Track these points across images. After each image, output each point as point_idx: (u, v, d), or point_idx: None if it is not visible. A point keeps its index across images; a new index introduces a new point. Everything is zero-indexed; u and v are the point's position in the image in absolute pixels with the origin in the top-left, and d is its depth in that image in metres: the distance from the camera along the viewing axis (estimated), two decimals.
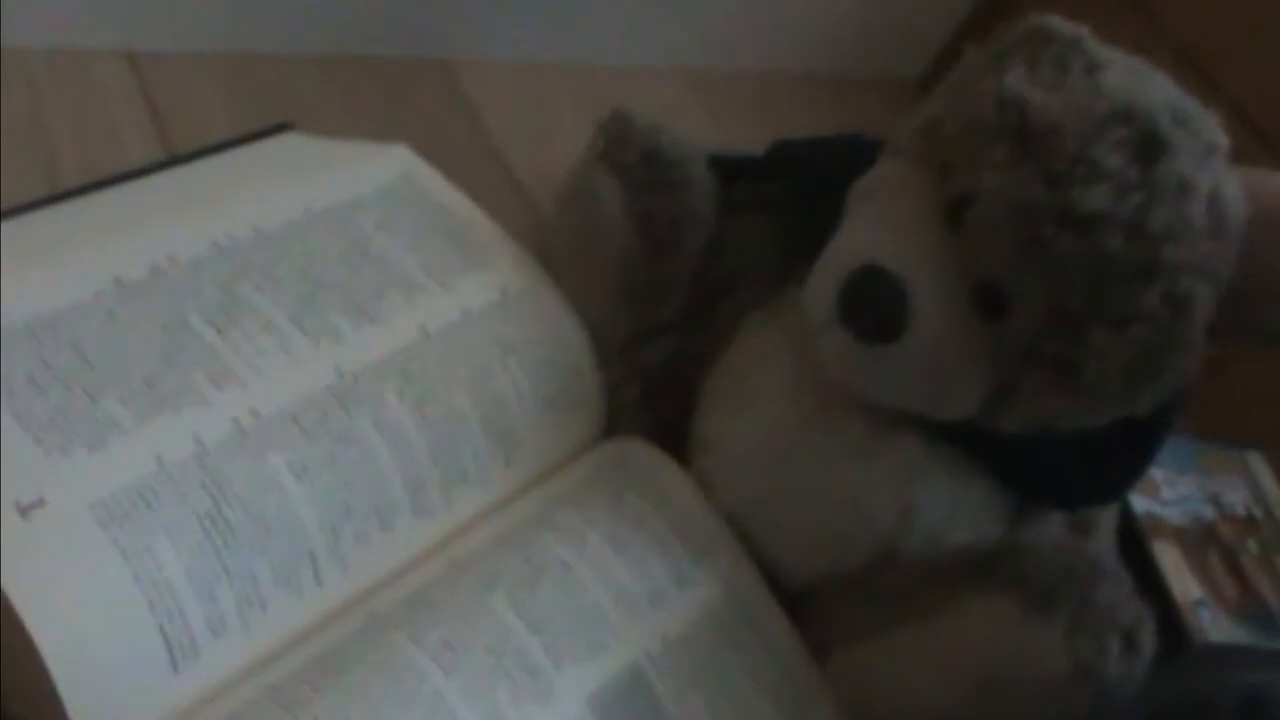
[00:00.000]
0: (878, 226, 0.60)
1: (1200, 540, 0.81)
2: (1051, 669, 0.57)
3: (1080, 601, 0.58)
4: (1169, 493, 0.83)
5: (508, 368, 0.65)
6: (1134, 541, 0.71)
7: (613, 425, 0.71)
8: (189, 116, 0.78)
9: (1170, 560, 0.78)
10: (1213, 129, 0.56)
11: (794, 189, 0.70)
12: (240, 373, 0.58)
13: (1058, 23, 0.58)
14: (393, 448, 0.59)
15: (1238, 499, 0.86)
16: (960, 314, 0.57)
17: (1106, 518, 0.67)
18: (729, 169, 0.70)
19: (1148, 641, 0.58)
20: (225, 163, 0.72)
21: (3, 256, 0.57)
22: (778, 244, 0.70)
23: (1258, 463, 0.90)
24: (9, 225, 0.62)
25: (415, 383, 0.61)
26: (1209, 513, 0.84)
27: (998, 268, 0.56)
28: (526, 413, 0.66)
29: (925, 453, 0.63)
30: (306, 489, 0.56)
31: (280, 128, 0.76)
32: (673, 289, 0.69)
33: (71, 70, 0.77)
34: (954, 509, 0.64)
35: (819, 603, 0.67)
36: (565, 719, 0.57)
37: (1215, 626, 0.76)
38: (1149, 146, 0.54)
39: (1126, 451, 0.63)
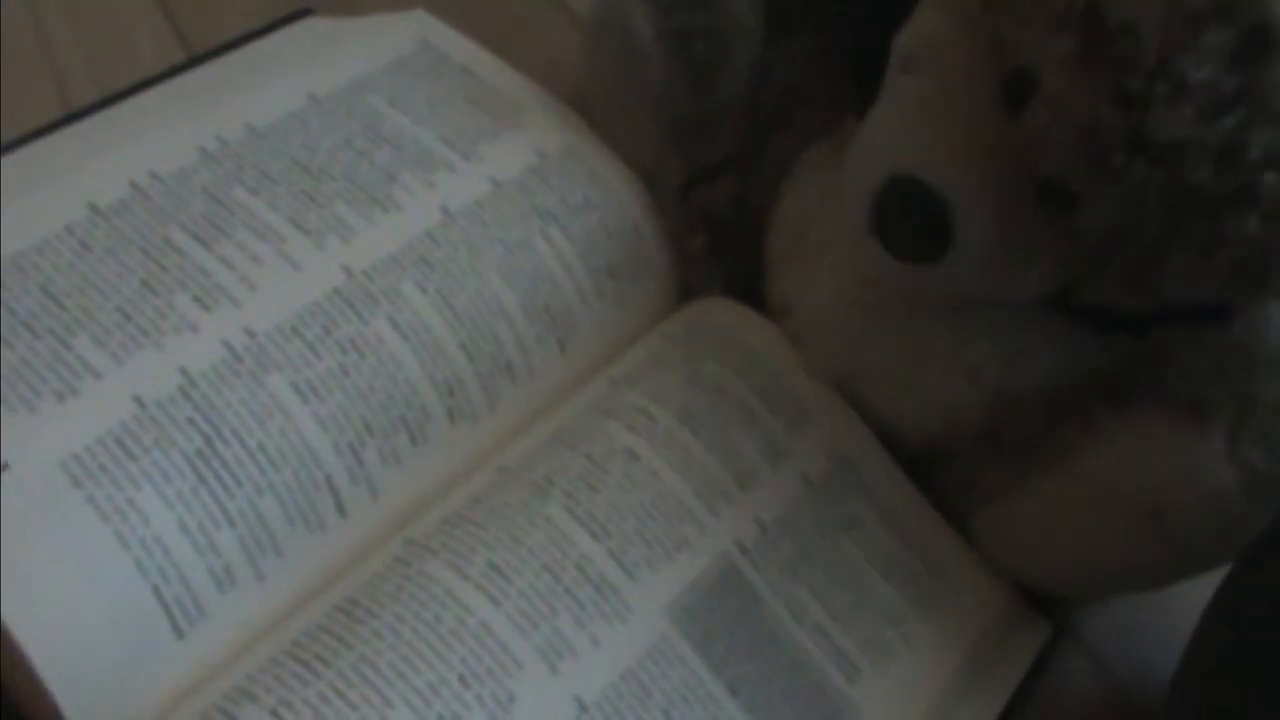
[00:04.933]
0: (918, 118, 0.49)
1: None
2: (1219, 484, 0.48)
3: (1238, 401, 0.49)
4: None
5: (551, 240, 0.57)
6: None
7: (686, 285, 0.62)
8: (207, 12, 0.72)
9: None
10: None
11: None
12: (231, 289, 0.51)
13: None
14: (417, 349, 0.52)
15: None
16: (1018, 213, 0.47)
17: None
18: None
19: None
20: (233, 61, 0.65)
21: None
22: (833, 68, 0.60)
23: None
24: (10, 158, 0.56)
25: (439, 271, 0.54)
26: None
27: (1060, 175, 0.45)
28: (579, 288, 0.57)
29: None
30: (315, 410, 0.50)
31: (298, 14, 0.69)
32: (724, 118, 0.60)
33: None
34: (1069, 341, 0.54)
35: (941, 467, 0.58)
36: (643, 636, 0.50)
37: None
38: (1255, 45, 0.41)
39: None
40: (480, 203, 0.57)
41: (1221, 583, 0.48)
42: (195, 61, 0.66)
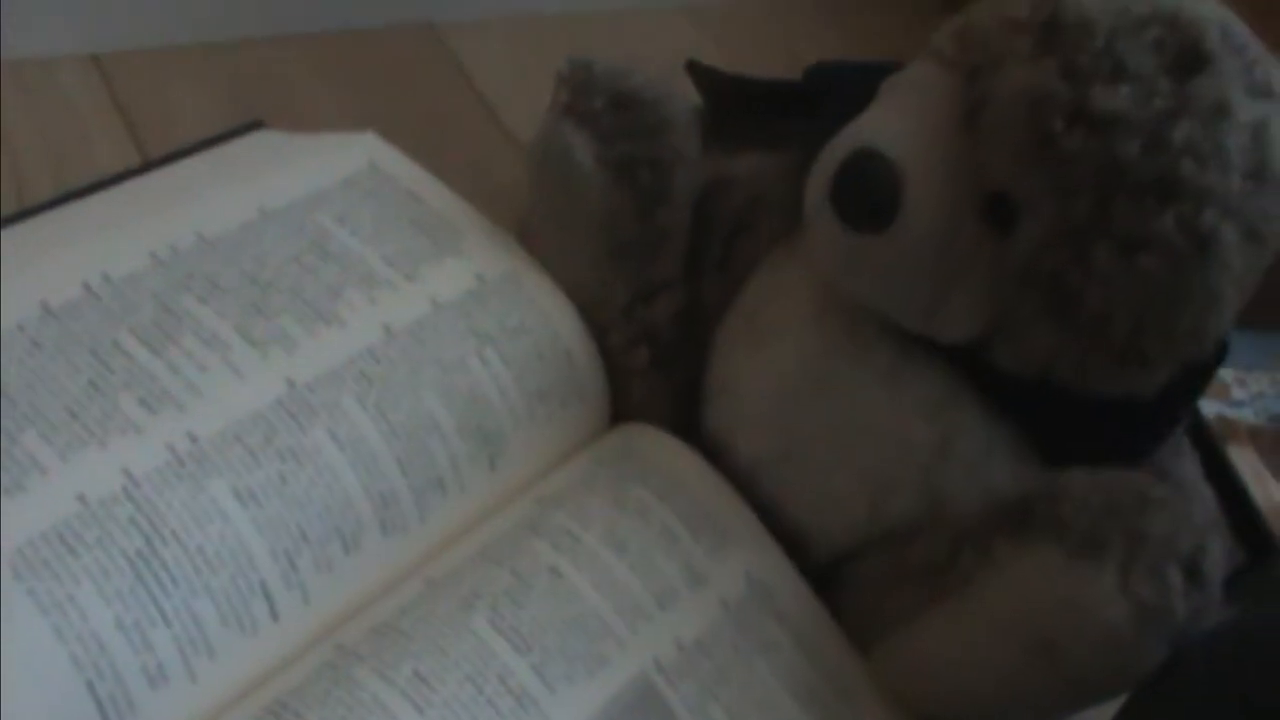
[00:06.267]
0: (887, 113, 0.55)
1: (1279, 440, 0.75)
2: (1111, 618, 0.50)
3: (1129, 538, 0.51)
4: (1240, 392, 0.78)
5: (486, 361, 0.59)
6: (1206, 448, 0.64)
7: (626, 397, 0.65)
8: (164, 117, 0.75)
9: (1247, 464, 0.72)
10: (1274, 76, 0.51)
11: (824, 124, 0.63)
12: (176, 394, 0.52)
13: None
14: (354, 461, 0.54)
15: None
16: (962, 217, 0.52)
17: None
18: (748, 100, 0.65)
19: (1214, 568, 0.51)
20: (186, 169, 0.67)
21: None
22: (797, 176, 0.63)
23: None
24: None
25: (378, 387, 0.56)
26: None
27: (1004, 168, 0.51)
28: (511, 409, 0.60)
29: (954, 382, 0.58)
30: (253, 515, 0.51)
31: (250, 126, 0.71)
32: (667, 240, 0.63)
33: (34, 80, 0.73)
34: (991, 441, 0.58)
35: (845, 595, 0.60)
36: None
37: None
38: (1188, 58, 0.49)
39: (1153, 410, 0.56)
40: (420, 322, 0.59)
41: (1115, 716, 0.51)
42: (150, 165, 0.68)
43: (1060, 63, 0.49)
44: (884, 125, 0.54)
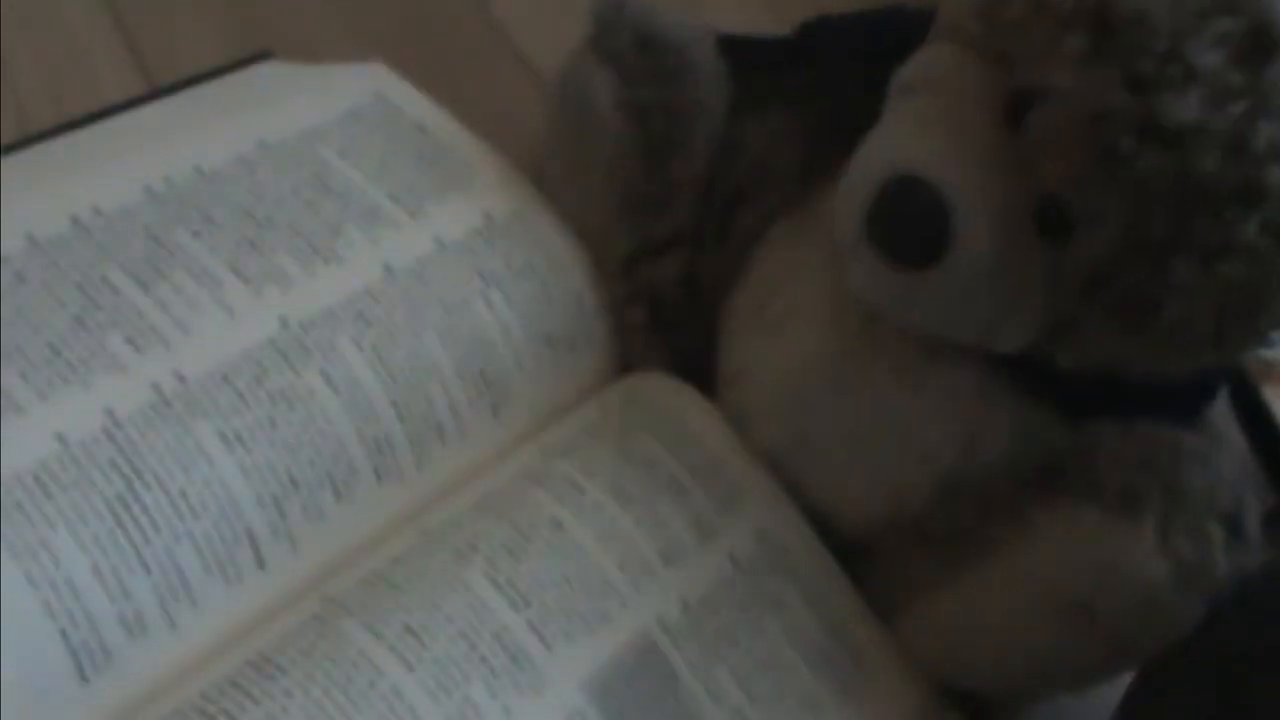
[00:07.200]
0: (919, 126, 0.50)
1: None
2: (1149, 577, 0.48)
3: (1167, 494, 0.48)
4: (1277, 333, 0.73)
5: (492, 304, 0.57)
6: (1243, 389, 0.61)
7: (625, 357, 0.62)
8: (171, 49, 0.72)
9: None
10: None
11: (824, 78, 0.60)
12: (164, 332, 0.50)
13: None
14: (348, 405, 0.52)
15: None
16: (1015, 234, 0.47)
17: None
18: (747, 56, 0.61)
19: (1254, 521, 0.49)
20: (188, 100, 0.65)
21: None
22: (804, 142, 0.60)
23: None
24: None
25: (376, 328, 0.54)
26: None
27: (1064, 183, 0.46)
28: (516, 354, 0.57)
29: (986, 377, 0.54)
30: (240, 459, 0.49)
31: (258, 57, 0.69)
32: (677, 195, 0.60)
33: (37, 8, 0.71)
34: (1021, 428, 0.54)
35: (871, 561, 0.58)
36: (557, 709, 0.49)
37: None
38: (1258, 43, 0.44)
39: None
40: (423, 262, 0.56)
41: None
42: (154, 94, 0.66)
43: (1122, 70, 0.44)
44: (917, 142, 0.49)
